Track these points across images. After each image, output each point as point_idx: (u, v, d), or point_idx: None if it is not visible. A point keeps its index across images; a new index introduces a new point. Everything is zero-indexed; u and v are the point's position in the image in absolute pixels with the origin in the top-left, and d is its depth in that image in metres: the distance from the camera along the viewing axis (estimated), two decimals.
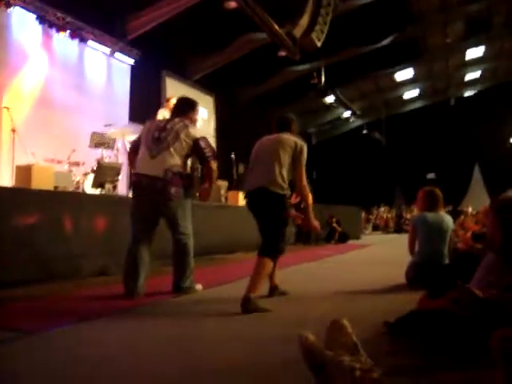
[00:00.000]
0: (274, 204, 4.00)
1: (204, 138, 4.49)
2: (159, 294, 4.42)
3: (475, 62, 22.23)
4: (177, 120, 4.43)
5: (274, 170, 4.00)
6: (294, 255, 8.13)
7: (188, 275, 4.43)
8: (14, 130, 7.93)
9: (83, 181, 8.45)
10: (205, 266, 6.40)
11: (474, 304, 2.39)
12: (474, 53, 20.95)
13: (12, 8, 9.77)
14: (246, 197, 4.31)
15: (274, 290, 4.41)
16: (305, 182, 4.15)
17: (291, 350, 2.24)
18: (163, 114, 8.41)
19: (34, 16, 10.25)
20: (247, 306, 3.60)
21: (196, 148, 4.37)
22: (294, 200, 4.96)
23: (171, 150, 4.26)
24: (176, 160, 4.26)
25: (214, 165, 4.48)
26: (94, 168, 8.27)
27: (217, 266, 6.96)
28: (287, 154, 4.06)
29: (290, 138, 4.16)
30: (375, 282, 5.28)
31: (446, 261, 4.88)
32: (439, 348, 2.42)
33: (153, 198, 4.25)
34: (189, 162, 4.58)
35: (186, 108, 4.65)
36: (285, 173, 4.02)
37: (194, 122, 4.61)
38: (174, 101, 8.21)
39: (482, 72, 24.21)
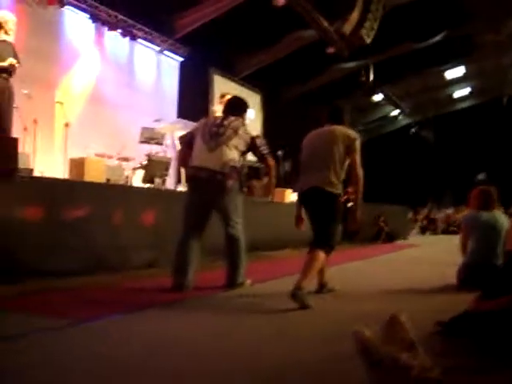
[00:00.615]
0: (329, 203, 4.00)
1: (259, 137, 4.59)
2: (207, 288, 4.43)
3: None
4: (232, 118, 4.48)
5: (329, 168, 3.98)
6: (341, 254, 8.02)
7: (241, 270, 4.44)
8: (67, 125, 8.11)
9: (132, 175, 8.58)
10: (253, 261, 6.40)
11: None
12: None
13: (65, 6, 10.03)
14: (300, 195, 4.30)
15: (322, 288, 4.38)
16: (360, 170, 4.12)
17: (335, 348, 2.21)
18: (218, 109, 8.48)
19: (87, 14, 10.50)
20: (297, 293, 3.56)
21: (253, 145, 4.44)
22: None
23: (229, 144, 4.30)
24: (234, 154, 4.31)
25: (272, 161, 4.54)
26: (143, 163, 8.39)
27: (265, 262, 6.97)
28: (341, 148, 4.03)
29: (343, 131, 4.12)
30: (424, 282, 5.18)
31: (500, 262, 4.72)
32: (493, 349, 2.34)
33: (210, 190, 4.28)
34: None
35: (240, 108, 4.72)
36: (339, 170, 4.01)
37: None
38: (228, 96, 8.32)
39: None
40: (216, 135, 4.33)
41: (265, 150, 4.48)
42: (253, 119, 16.14)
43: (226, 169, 4.24)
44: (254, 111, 16.18)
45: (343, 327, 2.67)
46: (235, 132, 4.34)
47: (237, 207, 4.41)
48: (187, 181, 4.57)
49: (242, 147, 4.38)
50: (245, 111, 4.74)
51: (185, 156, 4.66)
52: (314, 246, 3.91)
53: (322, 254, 3.87)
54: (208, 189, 4.29)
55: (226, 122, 4.41)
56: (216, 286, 4.45)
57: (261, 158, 4.53)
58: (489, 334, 2.44)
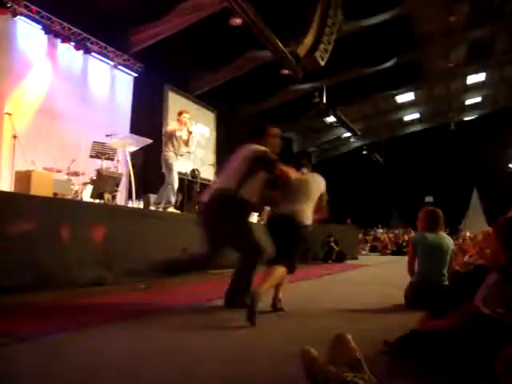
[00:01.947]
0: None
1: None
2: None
3: (476, 87, 22.33)
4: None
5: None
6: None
7: None
8: (15, 137, 7.91)
9: (82, 190, 8.41)
10: (209, 280, 6.36)
11: (480, 321, 2.34)
12: (475, 78, 21.04)
13: (18, 17, 9.82)
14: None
15: (275, 303, 4.37)
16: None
17: (282, 368, 2.19)
18: (174, 126, 8.44)
19: (40, 26, 10.31)
20: (254, 297, 3.56)
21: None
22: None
23: None
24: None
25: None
26: (94, 178, 8.24)
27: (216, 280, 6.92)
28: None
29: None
30: (373, 302, 5.23)
31: (446, 282, 4.82)
32: (441, 368, 2.37)
33: None
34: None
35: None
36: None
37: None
38: (186, 115, 8.38)
39: (483, 97, 24.31)
40: None
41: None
42: (207, 137, 16.15)
43: None
44: (208, 129, 16.20)
45: (291, 346, 2.65)
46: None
47: None
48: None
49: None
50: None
51: None
52: (273, 263, 4.05)
53: (282, 269, 4.01)
54: None
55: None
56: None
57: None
58: (434, 353, 2.48)
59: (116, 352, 2.79)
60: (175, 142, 8.38)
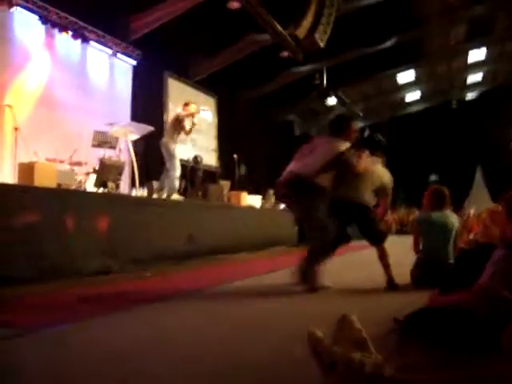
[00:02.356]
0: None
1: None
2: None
3: (477, 65, 22.18)
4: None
5: None
6: (295, 255, 8.10)
7: None
8: (16, 129, 7.90)
9: (85, 180, 8.42)
10: (212, 265, 6.40)
11: (496, 302, 2.34)
12: (476, 55, 20.89)
13: (14, 8, 9.75)
14: None
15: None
16: None
17: (290, 349, 2.19)
18: (182, 114, 8.55)
19: (37, 16, 10.24)
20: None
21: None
22: None
23: None
24: None
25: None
26: (96, 168, 8.24)
27: (225, 265, 6.95)
28: None
29: None
30: (379, 281, 5.24)
31: (451, 259, 4.83)
32: (451, 345, 2.38)
33: None
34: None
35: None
36: None
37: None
38: (194, 106, 8.53)
39: (484, 75, 24.16)
40: None
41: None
42: (209, 122, 16.10)
43: None
44: (211, 114, 16.12)
45: (299, 329, 2.66)
46: None
47: None
48: None
49: None
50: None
51: None
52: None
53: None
54: None
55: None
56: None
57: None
58: (445, 330, 2.48)
59: (120, 341, 2.80)
60: (179, 130, 8.51)
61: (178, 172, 8.36)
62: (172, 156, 8.31)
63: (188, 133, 8.73)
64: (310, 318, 3.34)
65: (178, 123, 8.52)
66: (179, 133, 8.54)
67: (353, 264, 7.82)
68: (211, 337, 2.89)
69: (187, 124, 8.59)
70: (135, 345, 2.69)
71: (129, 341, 2.78)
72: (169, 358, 2.45)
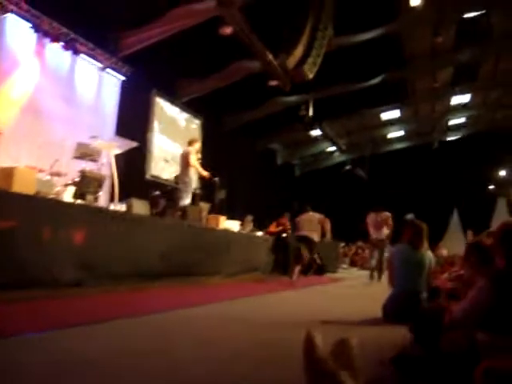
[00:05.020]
0: None
1: None
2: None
3: (460, 109, 22.69)
4: None
5: None
6: (268, 284, 8.15)
7: None
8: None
9: (63, 191, 8.30)
10: (185, 286, 6.33)
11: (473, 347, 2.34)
12: (460, 99, 21.39)
13: (7, 14, 9.75)
14: None
15: None
16: None
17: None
18: (192, 152, 9.28)
19: (30, 24, 10.24)
20: None
21: None
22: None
23: None
24: None
25: None
26: (76, 180, 8.14)
27: (197, 287, 6.90)
28: None
29: None
30: (350, 314, 5.25)
31: (424, 295, 4.87)
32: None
33: None
34: None
35: None
36: None
37: None
38: (198, 144, 9.60)
39: (466, 118, 24.71)
40: None
41: None
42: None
43: None
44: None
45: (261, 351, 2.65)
46: None
47: None
48: None
49: None
50: None
51: None
52: None
53: None
54: None
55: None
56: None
57: None
58: (422, 372, 2.50)
59: (93, 351, 2.76)
60: (188, 165, 9.23)
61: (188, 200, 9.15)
62: (189, 186, 9.21)
63: (194, 167, 9.29)
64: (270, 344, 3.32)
65: (186, 160, 9.19)
66: (188, 167, 9.20)
67: (320, 296, 7.83)
68: (190, 354, 2.86)
69: (193, 160, 9.16)
70: (105, 354, 2.65)
71: (100, 350, 2.74)
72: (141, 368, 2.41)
